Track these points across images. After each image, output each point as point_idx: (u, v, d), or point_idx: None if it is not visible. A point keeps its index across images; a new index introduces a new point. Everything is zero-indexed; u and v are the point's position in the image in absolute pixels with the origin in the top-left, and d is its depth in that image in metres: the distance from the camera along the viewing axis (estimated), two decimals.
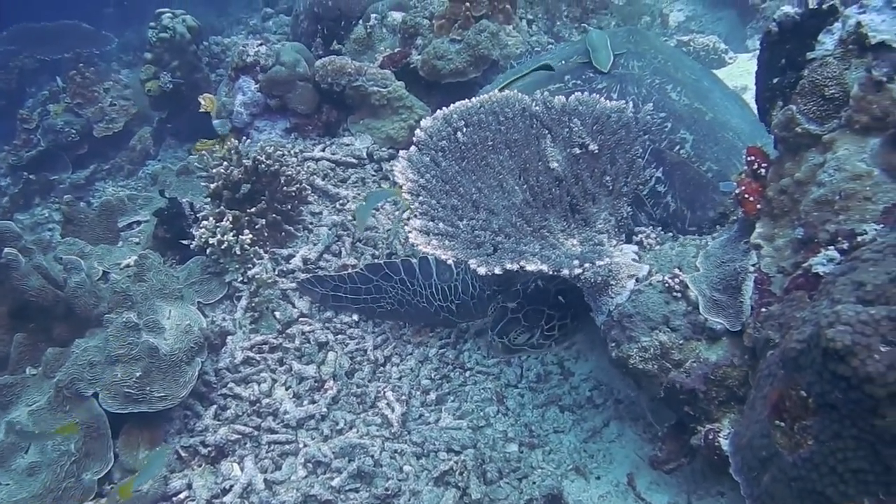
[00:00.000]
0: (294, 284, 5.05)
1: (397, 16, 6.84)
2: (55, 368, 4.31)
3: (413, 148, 3.42)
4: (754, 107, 3.44)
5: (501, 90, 3.70)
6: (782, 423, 2.26)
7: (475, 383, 4.53)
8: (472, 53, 6.14)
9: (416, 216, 3.13)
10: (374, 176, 6.00)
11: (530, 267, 2.87)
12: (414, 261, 4.62)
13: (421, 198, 3.21)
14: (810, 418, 2.15)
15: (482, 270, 2.86)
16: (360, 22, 7.05)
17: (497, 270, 2.86)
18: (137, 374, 4.13)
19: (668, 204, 3.86)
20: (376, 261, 5.02)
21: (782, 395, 2.28)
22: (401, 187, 3.27)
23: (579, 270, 2.91)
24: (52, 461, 4.01)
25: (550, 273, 2.92)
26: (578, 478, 3.94)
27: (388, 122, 6.13)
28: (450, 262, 2.97)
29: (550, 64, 4.44)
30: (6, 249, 4.38)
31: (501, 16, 6.33)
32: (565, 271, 2.90)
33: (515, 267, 2.87)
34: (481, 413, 4.34)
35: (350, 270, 4.93)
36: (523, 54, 6.29)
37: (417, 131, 3.47)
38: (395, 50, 6.58)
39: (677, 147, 3.90)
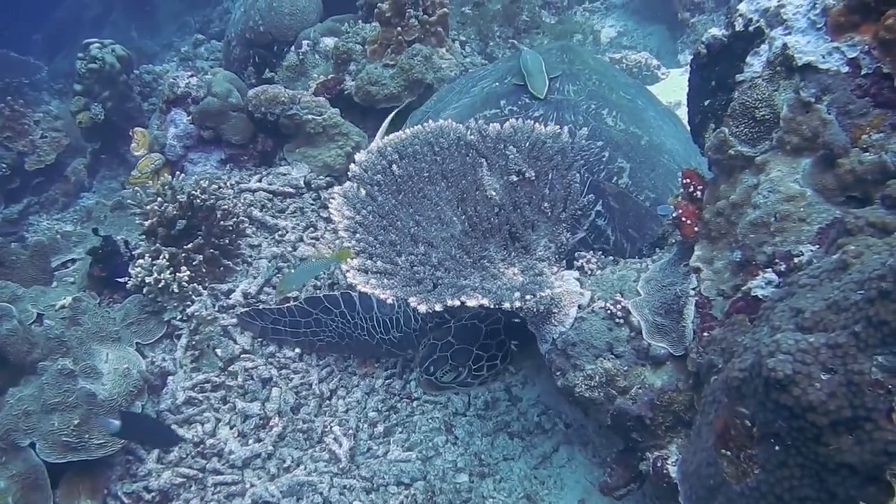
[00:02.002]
0: (235, 320, 4.95)
1: (329, 41, 6.79)
2: None
3: (348, 183, 3.36)
4: (687, 123, 3.46)
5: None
6: (728, 452, 2.25)
7: (423, 413, 4.47)
8: (406, 78, 6.11)
9: (354, 255, 3.08)
10: (312, 205, 5.92)
11: (471, 302, 2.83)
12: (354, 294, 4.54)
13: (358, 235, 3.15)
14: (755, 447, 2.15)
15: (423, 308, 2.81)
16: (293, 49, 6.99)
17: (437, 307, 2.82)
18: (75, 422, 4.01)
19: (608, 238, 3.86)
20: (316, 294, 4.94)
21: (727, 423, 2.27)
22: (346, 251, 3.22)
23: (520, 303, 2.88)
24: None
25: (492, 307, 2.89)
26: None
27: (325, 150, 6.06)
28: (390, 300, 2.92)
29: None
30: None
31: (434, 39, 6.31)
32: (507, 304, 2.88)
33: (456, 303, 2.83)
34: (430, 443, 4.29)
35: (291, 303, 4.85)
36: (458, 76, 6.28)
37: (352, 166, 3.42)
38: (329, 76, 6.52)
39: (615, 177, 3.90)
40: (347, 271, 2.99)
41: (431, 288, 2.99)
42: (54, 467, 4.06)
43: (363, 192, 3.33)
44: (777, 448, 2.06)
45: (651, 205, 3.88)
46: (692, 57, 3.23)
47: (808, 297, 2.20)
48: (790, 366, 1.97)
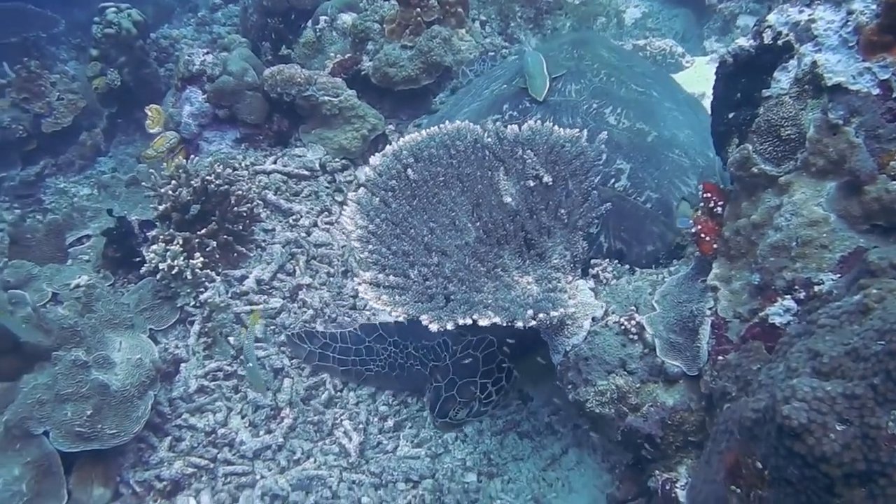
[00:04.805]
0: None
1: (347, 18, 6.68)
2: (4, 404, 4.18)
3: (362, 190, 3.31)
4: (711, 133, 3.35)
5: None
6: (738, 490, 2.23)
7: None
8: (425, 60, 6.02)
9: (366, 267, 3.04)
10: (327, 188, 5.88)
11: (483, 321, 2.79)
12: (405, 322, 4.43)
13: (371, 246, 3.11)
14: (766, 490, 2.12)
15: (434, 327, 2.78)
16: (310, 24, 6.89)
17: (449, 326, 2.78)
18: (88, 413, 4.03)
19: (601, 244, 3.75)
20: (370, 322, 4.78)
21: (738, 461, 2.24)
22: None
23: (534, 322, 2.85)
24: (4, 501, 3.91)
25: (504, 325, 2.85)
26: None
27: (341, 132, 6.00)
28: (401, 318, 2.88)
29: None
30: None
31: (454, 20, 6.21)
32: (519, 323, 2.84)
33: (468, 321, 2.79)
34: (439, 440, 4.29)
35: (345, 329, 4.77)
36: (476, 59, 6.18)
37: (367, 170, 3.37)
38: (346, 55, 6.43)
39: (612, 181, 3.79)
40: (359, 285, 2.95)
41: (443, 304, 2.95)
42: (67, 454, 4.08)
43: (377, 199, 3.28)
44: (788, 493, 2.03)
45: (653, 206, 3.77)
46: (718, 65, 3.13)
47: (827, 339, 2.14)
48: (805, 414, 1.93)
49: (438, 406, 3.59)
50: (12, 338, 4.37)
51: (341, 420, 4.46)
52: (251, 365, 4.19)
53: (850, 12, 2.60)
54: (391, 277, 3.01)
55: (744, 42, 2.97)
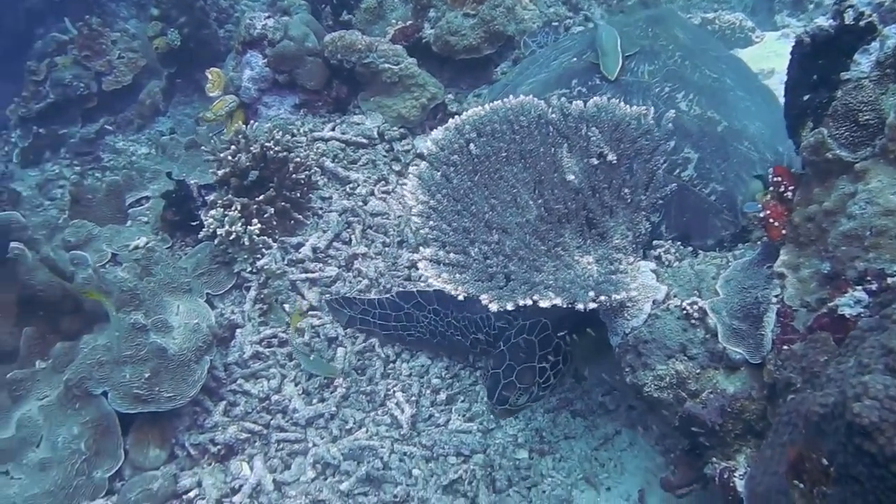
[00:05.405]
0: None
1: None
2: (64, 363, 4.30)
3: (424, 164, 3.29)
4: (783, 115, 3.24)
5: None
6: (801, 485, 2.18)
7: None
8: (487, 29, 5.93)
9: (426, 243, 3.02)
10: (384, 157, 5.85)
11: (544, 303, 2.76)
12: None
13: (431, 222, 3.09)
14: (831, 486, 2.07)
15: (494, 307, 2.76)
16: None
17: (509, 306, 2.76)
18: (146, 375, 4.10)
19: (661, 234, 3.63)
20: (408, 289, 4.77)
21: (802, 455, 2.20)
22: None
23: (594, 305, 2.81)
24: (63, 459, 4.02)
25: (564, 306, 2.82)
26: (589, 488, 3.90)
27: (400, 101, 5.95)
28: (461, 297, 2.85)
29: None
30: (12, 244, 4.31)
31: None
32: (580, 305, 2.80)
33: (528, 302, 2.77)
34: (491, 415, 4.27)
35: (382, 296, 4.79)
36: (540, 29, 6.07)
37: (429, 143, 3.34)
38: (407, 22, 6.36)
39: (678, 170, 3.67)
40: (420, 262, 2.94)
41: (504, 283, 2.93)
42: (125, 415, 4.17)
43: (438, 174, 3.25)
44: (854, 492, 1.98)
45: (717, 199, 3.65)
46: (794, 45, 3.03)
47: None
48: (877, 413, 1.88)
49: (497, 393, 3.58)
50: (74, 299, 4.47)
51: (394, 391, 4.48)
52: (312, 358, 4.25)
53: None
54: (451, 255, 2.99)
55: (823, 22, 2.88)
